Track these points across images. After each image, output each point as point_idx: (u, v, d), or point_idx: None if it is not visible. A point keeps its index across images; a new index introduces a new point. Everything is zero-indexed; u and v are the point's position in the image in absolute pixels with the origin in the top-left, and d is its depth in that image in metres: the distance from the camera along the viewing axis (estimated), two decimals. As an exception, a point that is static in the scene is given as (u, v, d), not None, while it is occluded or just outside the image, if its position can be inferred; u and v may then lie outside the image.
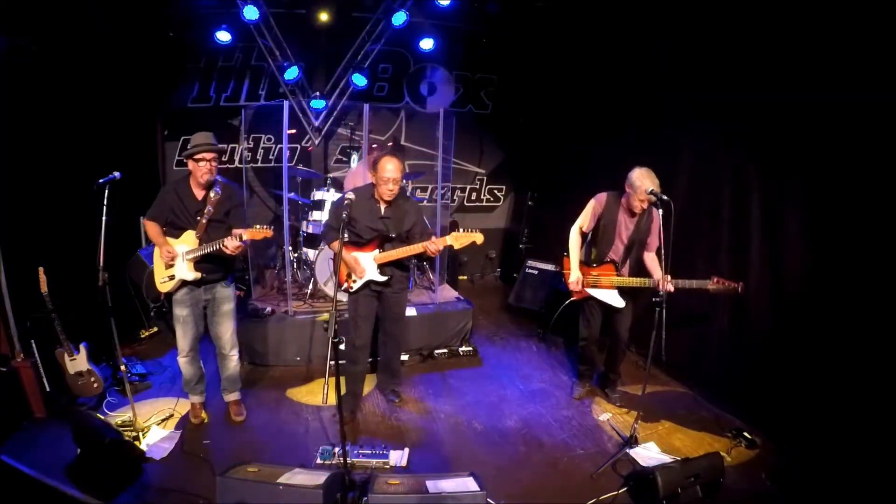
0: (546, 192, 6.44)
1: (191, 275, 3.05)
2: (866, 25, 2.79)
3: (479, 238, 3.13)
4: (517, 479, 2.95)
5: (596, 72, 5.23)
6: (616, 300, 3.48)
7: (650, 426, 3.48)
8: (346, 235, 3.34)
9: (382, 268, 3.30)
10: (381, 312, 3.50)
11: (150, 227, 3.13)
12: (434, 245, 3.13)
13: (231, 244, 2.87)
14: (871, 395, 2.76)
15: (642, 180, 3.18)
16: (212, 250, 2.96)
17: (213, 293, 3.22)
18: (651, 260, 3.46)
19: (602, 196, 3.51)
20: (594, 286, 3.50)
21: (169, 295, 3.20)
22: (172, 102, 5.86)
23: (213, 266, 3.12)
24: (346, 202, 2.94)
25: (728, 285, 3.12)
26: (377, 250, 3.27)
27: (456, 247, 3.16)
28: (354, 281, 3.29)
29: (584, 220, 3.57)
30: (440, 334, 4.66)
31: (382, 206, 3.28)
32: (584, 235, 3.61)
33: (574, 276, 3.53)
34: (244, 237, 2.88)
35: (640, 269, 3.49)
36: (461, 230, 3.18)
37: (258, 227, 2.90)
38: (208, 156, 2.97)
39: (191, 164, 2.99)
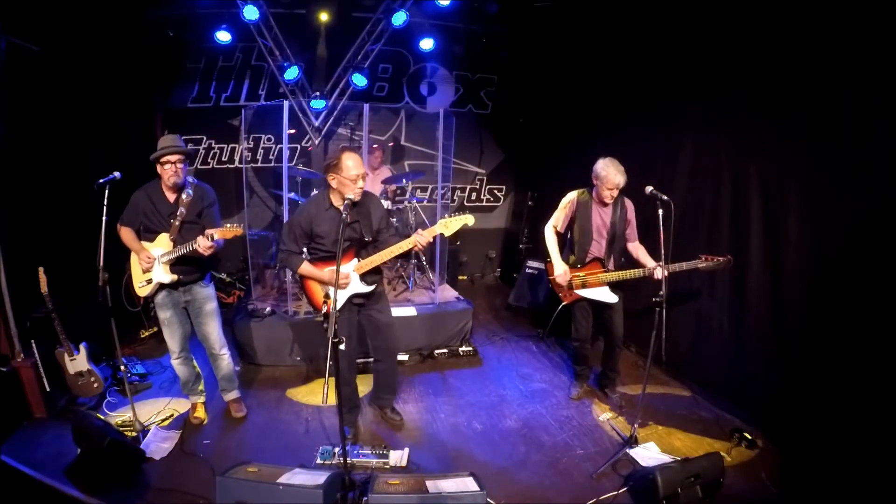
0: (546, 192, 6.44)
1: (167, 277, 3.06)
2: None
3: (469, 220, 2.92)
4: (517, 479, 2.95)
5: (595, 71, 5.24)
6: (608, 296, 3.48)
7: (650, 427, 3.47)
8: (306, 253, 3.11)
9: (365, 276, 3.08)
10: (366, 326, 3.24)
11: (125, 233, 3.13)
12: (423, 238, 2.86)
13: (203, 244, 2.89)
14: (871, 395, 2.75)
15: (607, 169, 3.28)
16: (185, 251, 2.97)
17: (192, 294, 3.22)
18: (636, 249, 3.51)
19: (574, 193, 3.56)
20: (583, 286, 3.51)
21: (148, 299, 3.22)
22: (173, 102, 5.88)
23: (188, 267, 3.12)
24: (345, 202, 2.78)
25: (717, 261, 3.15)
26: (355, 259, 3.03)
27: (447, 234, 2.96)
28: (335, 300, 3.02)
29: (558, 220, 3.60)
30: (440, 334, 4.66)
31: (347, 214, 2.88)
32: (560, 236, 3.63)
33: (560, 268, 3.53)
34: (215, 237, 2.89)
35: (627, 262, 3.51)
36: (448, 216, 2.96)
37: (228, 225, 2.91)
38: (173, 158, 2.97)
39: (158, 168, 3.01)
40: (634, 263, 3.47)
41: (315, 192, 5.04)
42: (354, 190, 2.85)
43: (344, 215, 2.75)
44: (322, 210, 3.00)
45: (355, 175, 2.82)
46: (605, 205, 3.42)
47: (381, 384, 3.50)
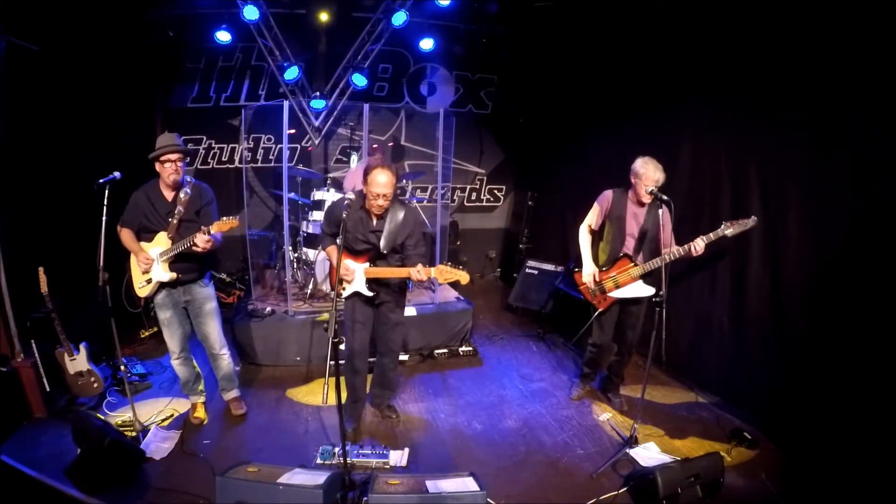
0: (546, 192, 6.45)
1: (166, 276, 3.06)
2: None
3: (464, 278, 2.99)
4: (517, 479, 2.95)
5: (596, 71, 5.23)
6: (644, 290, 3.35)
7: (650, 427, 3.46)
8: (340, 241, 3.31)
9: (370, 283, 3.15)
10: (376, 319, 3.35)
11: (125, 235, 3.14)
12: (418, 274, 2.96)
13: (200, 239, 2.90)
14: (871, 394, 2.75)
15: (646, 167, 3.20)
16: (183, 248, 2.98)
17: (192, 294, 3.22)
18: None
19: (608, 193, 3.46)
20: (617, 287, 3.39)
21: (148, 299, 3.23)
22: (173, 102, 5.88)
23: (187, 265, 3.13)
24: (345, 202, 2.87)
25: (744, 223, 3.08)
26: (368, 264, 3.14)
27: (440, 280, 3.02)
28: (344, 287, 3.17)
29: (593, 219, 3.52)
30: (440, 334, 4.66)
31: (374, 219, 3.09)
32: (593, 234, 3.56)
33: (589, 268, 3.46)
34: (212, 231, 2.90)
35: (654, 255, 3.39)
36: (449, 264, 3.04)
37: (224, 218, 2.91)
38: (173, 156, 2.99)
39: (157, 167, 3.02)
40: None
41: (315, 191, 5.06)
42: (372, 204, 3.00)
43: (344, 215, 2.84)
44: (356, 208, 3.09)
45: (375, 193, 2.94)
46: (642, 205, 3.32)
47: (377, 380, 3.56)
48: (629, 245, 3.41)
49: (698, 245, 3.08)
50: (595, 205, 3.51)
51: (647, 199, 3.27)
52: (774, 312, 3.38)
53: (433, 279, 3.17)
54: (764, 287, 3.44)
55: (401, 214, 3.11)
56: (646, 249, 3.39)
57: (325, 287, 4.74)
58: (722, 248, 3.75)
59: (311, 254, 4.89)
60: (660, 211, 3.10)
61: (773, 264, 3.38)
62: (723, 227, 3.10)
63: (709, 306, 3.87)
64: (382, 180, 2.90)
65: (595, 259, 3.54)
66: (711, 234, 3.12)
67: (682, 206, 3.87)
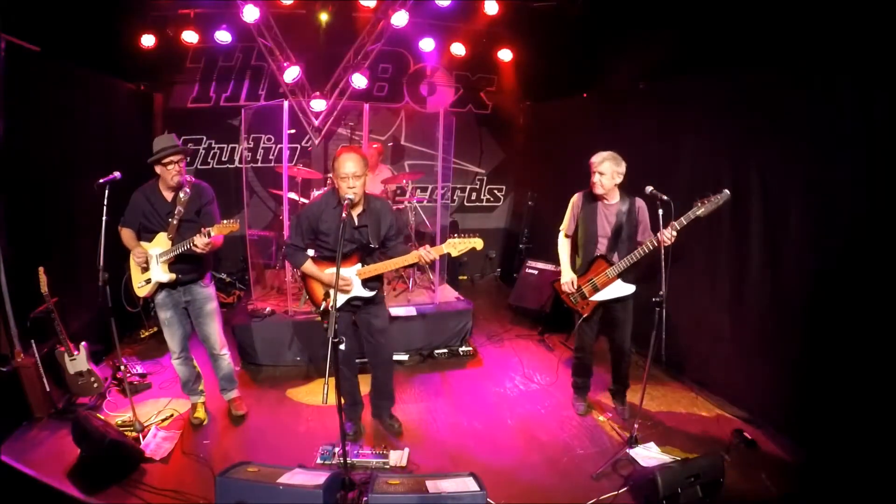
0: (546, 192, 6.44)
1: (165, 276, 3.06)
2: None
3: (478, 244, 2.92)
4: (517, 479, 2.95)
5: (594, 70, 5.23)
6: (624, 289, 3.33)
7: (650, 427, 3.46)
8: (315, 252, 3.12)
9: (366, 282, 3.06)
10: (362, 326, 3.23)
11: (125, 234, 3.15)
12: (429, 255, 2.87)
13: (200, 241, 2.89)
14: (872, 394, 2.75)
15: (593, 158, 3.25)
16: (183, 250, 2.98)
17: (192, 294, 3.22)
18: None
19: (577, 194, 3.48)
20: (596, 291, 3.37)
21: (147, 300, 3.23)
22: (173, 102, 5.89)
23: (187, 266, 3.13)
24: (346, 201, 2.80)
25: (716, 199, 3.00)
26: (359, 264, 3.02)
27: (454, 254, 2.95)
28: (335, 300, 3.03)
29: (566, 224, 3.53)
30: (440, 334, 4.66)
31: (356, 215, 2.98)
32: (570, 239, 3.56)
33: (567, 276, 3.46)
34: (212, 233, 2.89)
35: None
36: (458, 236, 2.95)
37: (225, 221, 2.90)
38: (175, 158, 2.99)
39: (159, 169, 3.02)
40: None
41: (315, 191, 5.06)
42: (345, 190, 2.83)
43: (344, 215, 2.78)
44: (329, 207, 2.99)
45: (343, 174, 2.80)
46: (602, 198, 3.30)
47: (377, 390, 3.45)
48: (602, 246, 3.38)
49: (668, 233, 3.00)
50: (567, 210, 3.52)
51: (594, 187, 3.27)
52: (774, 312, 3.37)
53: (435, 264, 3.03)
54: (764, 287, 3.44)
55: (376, 205, 3.06)
56: (622, 248, 3.34)
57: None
58: (722, 249, 3.76)
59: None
60: (640, 204, 3.07)
61: (773, 264, 3.37)
62: (694, 207, 3.01)
63: (709, 306, 3.86)
64: (350, 163, 2.78)
65: (574, 263, 3.52)
66: (682, 219, 3.03)
67: (681, 206, 3.85)
